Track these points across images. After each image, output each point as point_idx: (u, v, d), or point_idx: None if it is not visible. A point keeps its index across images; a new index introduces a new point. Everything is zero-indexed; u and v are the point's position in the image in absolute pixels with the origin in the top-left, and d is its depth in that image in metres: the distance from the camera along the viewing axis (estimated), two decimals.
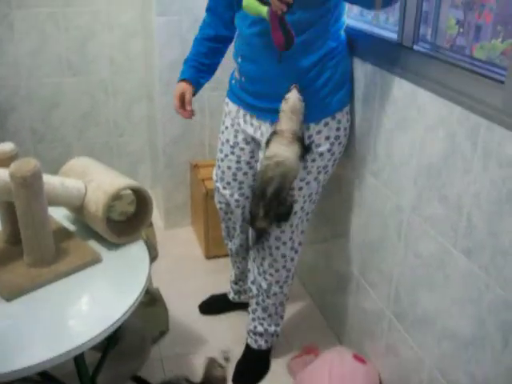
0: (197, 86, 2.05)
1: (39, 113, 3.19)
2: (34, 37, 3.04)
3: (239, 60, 1.89)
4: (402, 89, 1.67)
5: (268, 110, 1.85)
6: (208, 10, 2.03)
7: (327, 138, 1.84)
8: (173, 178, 3.05)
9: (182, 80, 2.03)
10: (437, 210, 1.56)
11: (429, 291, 1.65)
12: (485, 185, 1.37)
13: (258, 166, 1.94)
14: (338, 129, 1.85)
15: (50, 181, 1.65)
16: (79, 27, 3.10)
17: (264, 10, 1.62)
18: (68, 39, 3.11)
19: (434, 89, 1.52)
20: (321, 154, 1.84)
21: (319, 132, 1.82)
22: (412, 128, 1.64)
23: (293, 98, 1.75)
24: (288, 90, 1.76)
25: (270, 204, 1.76)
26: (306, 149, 1.79)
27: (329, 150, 1.85)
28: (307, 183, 1.88)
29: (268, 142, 1.78)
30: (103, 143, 3.39)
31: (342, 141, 1.88)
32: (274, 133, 1.78)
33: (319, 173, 1.88)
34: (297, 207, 1.90)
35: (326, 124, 1.83)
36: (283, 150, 1.73)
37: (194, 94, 2.05)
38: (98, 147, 3.37)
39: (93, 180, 1.72)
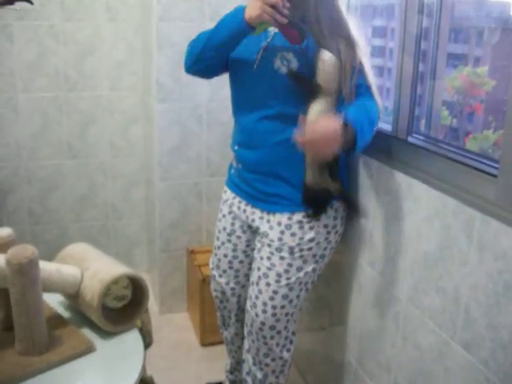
0: None
1: (38, 194, 3.22)
2: (37, 119, 3.13)
3: (236, 148, 1.93)
4: (397, 180, 1.69)
5: (262, 198, 1.88)
6: None
7: (325, 226, 1.85)
8: (169, 262, 3.04)
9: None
10: (434, 301, 1.55)
11: (430, 382, 1.62)
12: (481, 277, 1.37)
13: (255, 255, 1.95)
14: (335, 218, 1.86)
15: (46, 267, 1.65)
16: (81, 111, 3.19)
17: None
18: (70, 123, 3.19)
19: (429, 181, 1.55)
20: (318, 243, 1.85)
21: (318, 219, 1.83)
22: (408, 219, 1.66)
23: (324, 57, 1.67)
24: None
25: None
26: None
27: (326, 239, 1.86)
28: (305, 273, 1.87)
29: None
30: (100, 226, 3.40)
31: (338, 229, 1.90)
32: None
33: (316, 262, 1.88)
34: (292, 295, 1.89)
35: (325, 212, 1.85)
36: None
37: None
38: (94, 230, 3.38)
39: (89, 267, 1.71)
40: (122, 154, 3.30)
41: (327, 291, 2.25)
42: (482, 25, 2.05)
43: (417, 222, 1.61)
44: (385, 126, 1.89)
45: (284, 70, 1.73)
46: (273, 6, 1.60)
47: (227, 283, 2.11)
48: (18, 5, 2.93)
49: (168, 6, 2.67)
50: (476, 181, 1.42)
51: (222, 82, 1.99)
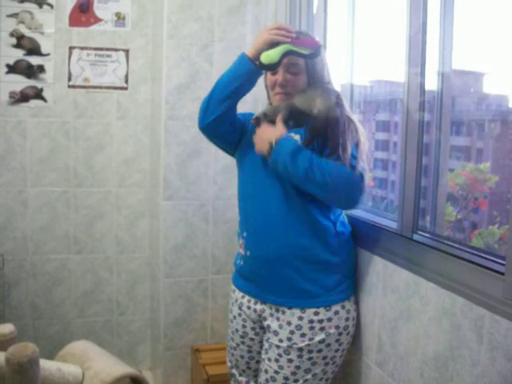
0: None
1: (42, 288, 3.21)
2: (45, 213, 3.17)
3: (244, 234, 1.92)
4: (403, 278, 1.68)
5: (270, 289, 1.85)
6: None
7: (337, 327, 1.81)
8: (173, 361, 2.96)
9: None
10: None
11: None
12: (494, 378, 1.33)
13: (263, 355, 1.89)
14: (347, 319, 1.83)
15: (46, 366, 1.62)
16: (89, 206, 3.23)
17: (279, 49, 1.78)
18: (77, 217, 3.22)
19: (436, 279, 1.54)
20: (328, 345, 1.80)
21: (330, 320, 1.80)
22: (416, 318, 1.63)
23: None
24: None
25: None
26: None
27: (337, 340, 1.82)
28: (314, 375, 1.82)
29: None
30: (104, 321, 3.35)
31: (350, 331, 1.86)
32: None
33: (326, 364, 1.83)
34: None
35: (337, 313, 1.82)
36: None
37: None
38: (98, 325, 3.33)
39: (91, 367, 1.68)
40: (127, 250, 3.30)
41: None
42: (483, 117, 2.09)
43: (425, 320, 1.58)
44: (390, 223, 1.89)
45: None
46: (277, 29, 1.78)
47: (247, 382, 2.06)
48: (32, 102, 3.04)
49: (176, 106, 2.76)
50: (483, 278, 1.41)
51: (229, 180, 2.02)
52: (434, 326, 1.55)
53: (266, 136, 1.77)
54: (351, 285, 1.90)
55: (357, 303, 1.93)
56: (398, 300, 1.71)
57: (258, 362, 2.01)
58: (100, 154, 3.21)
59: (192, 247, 2.87)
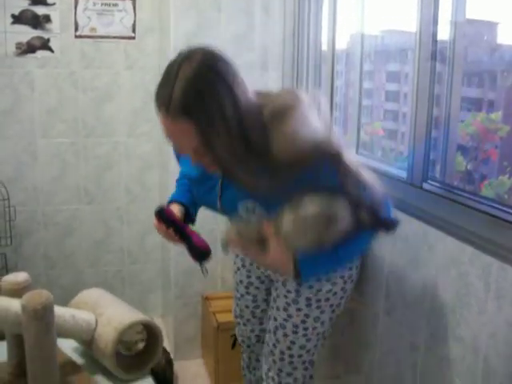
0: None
1: (54, 239, 3.24)
2: (55, 164, 3.18)
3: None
4: (412, 227, 1.69)
5: None
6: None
7: (342, 276, 1.83)
8: (184, 309, 3.02)
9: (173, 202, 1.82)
10: (452, 350, 1.53)
11: None
12: (501, 326, 1.35)
13: (271, 303, 1.92)
14: (350, 268, 1.85)
15: (60, 313, 1.65)
16: (98, 157, 3.23)
17: None
18: (87, 168, 3.22)
19: (445, 228, 1.54)
20: (335, 293, 1.83)
21: (335, 270, 1.82)
22: (424, 266, 1.64)
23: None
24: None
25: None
26: None
27: (342, 289, 1.84)
28: (322, 322, 1.85)
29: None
30: (115, 271, 3.40)
31: (354, 279, 1.88)
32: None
33: (333, 311, 1.86)
34: (310, 345, 1.86)
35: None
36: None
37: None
38: (109, 275, 3.38)
39: (103, 314, 1.71)
40: (137, 200, 3.32)
41: (342, 339, 2.22)
42: (495, 68, 2.06)
43: (433, 269, 1.60)
44: (399, 172, 1.89)
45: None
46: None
47: (252, 330, 2.09)
48: (39, 53, 3.01)
49: None
50: (492, 227, 1.41)
51: None
52: (441, 275, 1.56)
53: (276, 264, 1.61)
54: None
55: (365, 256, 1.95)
56: (406, 249, 1.72)
57: (263, 310, 2.04)
58: (108, 104, 3.19)
59: None
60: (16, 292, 1.61)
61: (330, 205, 1.44)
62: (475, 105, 2.18)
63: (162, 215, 1.68)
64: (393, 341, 1.84)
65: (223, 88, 1.34)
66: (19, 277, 1.66)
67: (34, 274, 1.68)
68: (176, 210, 1.77)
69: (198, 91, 1.33)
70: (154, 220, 1.68)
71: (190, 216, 1.83)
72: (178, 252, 2.89)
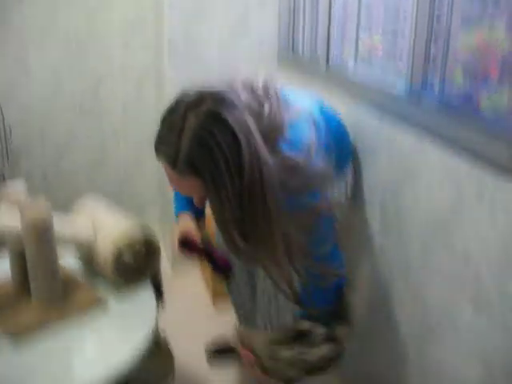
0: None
1: (50, 158, 3.25)
2: (49, 80, 3.12)
3: None
4: (409, 142, 1.69)
5: None
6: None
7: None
8: None
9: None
10: (444, 263, 1.56)
11: (439, 342, 1.64)
12: (493, 238, 1.37)
13: None
14: (346, 184, 1.89)
15: (59, 226, 1.67)
16: (93, 71, 3.17)
17: None
18: (82, 84, 3.18)
19: (441, 142, 1.54)
20: None
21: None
22: (419, 181, 1.65)
23: None
24: None
25: None
26: None
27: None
28: None
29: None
30: (113, 188, 3.42)
31: (348, 194, 1.92)
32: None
33: None
34: None
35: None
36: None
37: None
38: (108, 192, 3.39)
39: (102, 227, 1.74)
40: (133, 115, 3.30)
41: None
42: None
43: (428, 184, 1.61)
44: (398, 87, 1.87)
45: None
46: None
47: None
48: None
49: None
50: (490, 142, 1.41)
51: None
52: (436, 190, 1.57)
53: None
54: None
55: (359, 166, 1.97)
56: (402, 163, 1.73)
57: None
58: (102, 15, 3.11)
59: None
60: (15, 202, 1.63)
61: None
62: (476, 21, 2.13)
63: (186, 246, 1.80)
64: (386, 254, 1.87)
65: (232, 143, 1.24)
66: (17, 189, 1.68)
67: (31, 191, 1.69)
68: (188, 222, 1.83)
69: (206, 149, 1.23)
70: (176, 246, 1.80)
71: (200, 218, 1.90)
72: None
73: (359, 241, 2.05)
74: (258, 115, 1.32)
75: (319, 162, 1.46)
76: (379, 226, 1.90)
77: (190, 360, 2.48)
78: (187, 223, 1.82)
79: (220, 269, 1.84)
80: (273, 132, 1.34)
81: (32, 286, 1.61)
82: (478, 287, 1.42)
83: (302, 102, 1.64)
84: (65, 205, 1.90)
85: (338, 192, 1.87)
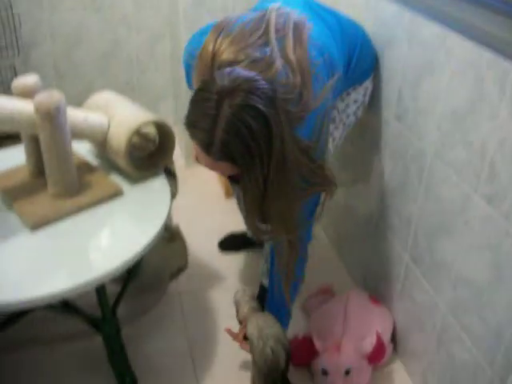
0: None
1: (61, 49, 3.17)
2: None
3: None
4: (430, 31, 1.62)
5: None
6: None
7: (355, 101, 1.84)
8: None
9: None
10: (460, 155, 1.55)
11: (447, 236, 1.65)
12: (511, 131, 1.35)
13: None
14: (364, 94, 1.86)
15: (73, 114, 1.66)
16: None
17: None
18: None
19: (464, 31, 1.48)
20: (348, 116, 1.85)
21: (348, 94, 1.84)
22: (439, 71, 1.61)
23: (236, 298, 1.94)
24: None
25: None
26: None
27: (354, 113, 1.87)
28: (333, 139, 1.88)
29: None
30: (125, 80, 3.37)
31: (366, 104, 1.90)
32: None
33: (344, 130, 1.90)
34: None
35: (354, 89, 1.86)
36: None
37: None
38: (119, 84, 3.36)
39: (115, 114, 1.72)
40: (145, 6, 3.19)
41: (352, 149, 2.25)
42: None
43: (448, 74, 1.56)
44: None
45: None
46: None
47: None
48: None
49: None
50: None
51: None
52: (456, 80, 1.53)
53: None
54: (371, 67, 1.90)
55: (378, 57, 1.92)
56: (422, 53, 1.68)
57: None
58: None
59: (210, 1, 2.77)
60: (28, 94, 1.61)
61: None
62: None
63: None
64: (402, 147, 1.86)
65: (264, 131, 1.28)
66: (29, 79, 1.65)
67: (43, 85, 1.66)
68: None
69: (240, 138, 1.26)
70: None
71: None
72: None
73: (374, 132, 2.03)
74: (290, 100, 1.36)
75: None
76: (395, 111, 1.87)
77: (202, 251, 2.54)
78: None
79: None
80: (298, 114, 1.40)
81: (47, 174, 1.62)
82: (493, 182, 1.42)
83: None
84: (78, 101, 1.88)
85: (361, 105, 1.88)
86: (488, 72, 1.40)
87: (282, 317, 1.80)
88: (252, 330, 1.74)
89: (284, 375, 1.72)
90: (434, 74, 1.63)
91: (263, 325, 1.74)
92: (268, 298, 1.83)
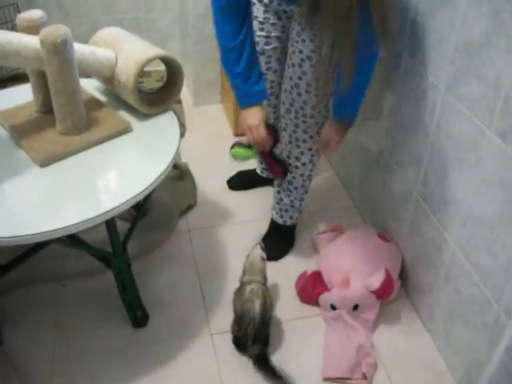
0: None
1: None
2: None
3: None
4: None
5: None
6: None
7: None
8: (202, 54, 2.99)
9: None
10: (473, 90, 1.52)
11: (458, 173, 1.64)
12: None
13: (287, 60, 1.88)
14: None
15: (80, 49, 1.64)
16: None
17: (251, 153, 1.67)
18: None
19: None
20: None
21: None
22: (454, 2, 1.56)
23: (254, 255, 1.91)
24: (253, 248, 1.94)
25: (259, 331, 1.77)
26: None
27: None
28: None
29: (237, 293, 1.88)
30: (131, 19, 3.31)
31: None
32: (240, 285, 1.88)
33: None
34: (320, 106, 1.90)
35: None
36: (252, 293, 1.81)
37: None
38: (125, 23, 3.29)
39: (123, 50, 1.70)
40: None
41: None
42: None
43: (463, 6, 1.52)
44: None
45: None
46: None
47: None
48: None
49: None
50: None
51: None
52: (471, 11, 1.48)
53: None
54: None
55: None
56: None
57: (274, 48, 1.96)
58: None
59: None
60: (32, 29, 1.58)
61: None
62: None
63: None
64: (413, 81, 1.82)
65: None
66: (34, 14, 1.62)
67: (48, 24, 1.63)
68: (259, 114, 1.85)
69: None
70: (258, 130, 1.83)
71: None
72: None
73: (386, 65, 2.00)
74: None
75: None
76: (408, 45, 1.83)
77: (211, 189, 2.54)
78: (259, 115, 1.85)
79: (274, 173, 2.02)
80: None
81: (55, 110, 1.61)
82: (506, 117, 1.40)
83: None
84: (83, 40, 1.84)
85: None
86: (506, 3, 1.35)
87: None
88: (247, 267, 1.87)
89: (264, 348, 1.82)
90: (448, 6, 1.59)
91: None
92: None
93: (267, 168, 1.96)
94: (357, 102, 1.84)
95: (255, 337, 1.75)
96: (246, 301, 1.78)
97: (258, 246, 1.92)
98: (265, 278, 1.89)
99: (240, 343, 1.82)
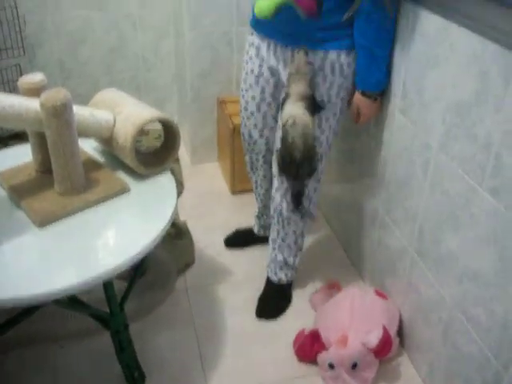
0: None
1: (67, 48, 3.18)
2: None
3: None
4: (433, 24, 1.63)
5: (290, 34, 1.83)
6: None
7: (354, 73, 1.85)
8: (200, 112, 3.05)
9: None
10: (465, 148, 1.55)
11: (453, 230, 1.66)
12: None
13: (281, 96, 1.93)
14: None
15: (79, 111, 1.67)
16: None
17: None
18: None
19: (468, 24, 1.48)
20: (346, 88, 1.87)
21: (349, 65, 1.84)
22: (443, 65, 1.61)
23: (298, 59, 1.79)
24: (296, 52, 1.80)
25: (301, 165, 1.78)
26: (318, 106, 1.84)
27: (353, 83, 1.89)
28: (337, 120, 1.89)
29: (282, 106, 1.84)
30: (130, 78, 3.38)
31: None
32: (286, 96, 1.81)
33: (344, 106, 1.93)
34: (323, 138, 1.91)
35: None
36: (295, 110, 1.77)
37: None
38: (125, 82, 3.37)
39: (121, 112, 1.73)
40: (149, 5, 3.20)
41: (357, 143, 2.25)
42: None
43: (453, 68, 1.57)
44: None
45: None
46: None
47: (255, 126, 2.13)
48: None
49: None
50: None
51: None
52: (461, 74, 1.53)
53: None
54: None
55: None
56: (426, 47, 1.68)
57: (268, 104, 2.05)
58: None
59: None
60: (33, 92, 1.62)
61: None
62: None
63: None
64: (407, 140, 1.86)
65: None
66: (35, 77, 1.66)
67: (50, 84, 1.67)
68: None
69: None
70: None
71: None
72: (193, 55, 2.87)
73: (380, 125, 2.04)
74: None
75: None
76: (400, 104, 1.88)
77: (208, 247, 2.55)
78: None
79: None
80: None
81: (54, 171, 1.63)
82: (498, 175, 1.42)
83: None
84: (84, 100, 1.89)
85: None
86: (492, 65, 1.40)
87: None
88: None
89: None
90: (438, 67, 1.64)
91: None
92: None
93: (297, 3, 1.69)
94: (372, 69, 1.85)
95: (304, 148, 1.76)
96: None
97: (302, 51, 1.81)
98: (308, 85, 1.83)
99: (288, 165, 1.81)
